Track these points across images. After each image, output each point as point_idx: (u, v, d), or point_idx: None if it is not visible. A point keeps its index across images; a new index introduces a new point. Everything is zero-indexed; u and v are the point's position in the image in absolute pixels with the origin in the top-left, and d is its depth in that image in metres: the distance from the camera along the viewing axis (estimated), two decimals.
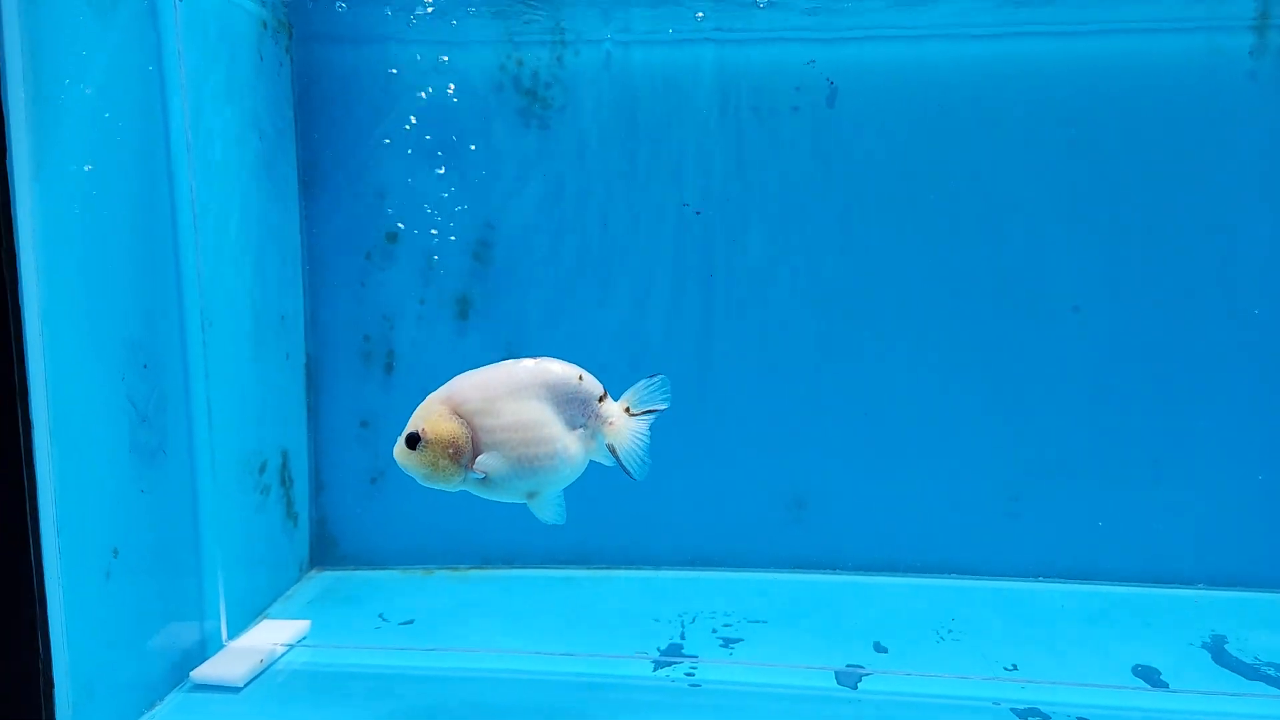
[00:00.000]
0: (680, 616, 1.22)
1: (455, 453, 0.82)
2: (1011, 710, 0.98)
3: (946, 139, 1.29)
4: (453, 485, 0.84)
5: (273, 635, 1.11)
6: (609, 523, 1.38)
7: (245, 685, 1.02)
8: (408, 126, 1.32)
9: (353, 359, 1.38)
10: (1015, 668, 1.07)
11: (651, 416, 0.89)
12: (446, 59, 1.32)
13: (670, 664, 1.09)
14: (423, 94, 1.32)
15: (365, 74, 1.33)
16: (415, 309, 1.37)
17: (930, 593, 1.29)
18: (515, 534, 1.38)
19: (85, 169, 0.88)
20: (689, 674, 1.07)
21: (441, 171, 1.33)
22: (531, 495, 0.87)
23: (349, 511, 1.40)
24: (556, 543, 1.39)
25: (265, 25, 1.25)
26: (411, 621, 1.21)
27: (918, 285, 1.31)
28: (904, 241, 1.31)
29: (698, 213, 1.33)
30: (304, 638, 1.14)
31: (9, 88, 0.79)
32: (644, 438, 0.89)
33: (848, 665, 1.08)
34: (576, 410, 0.86)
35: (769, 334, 1.34)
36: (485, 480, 0.84)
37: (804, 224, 1.32)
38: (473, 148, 1.33)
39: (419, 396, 0.87)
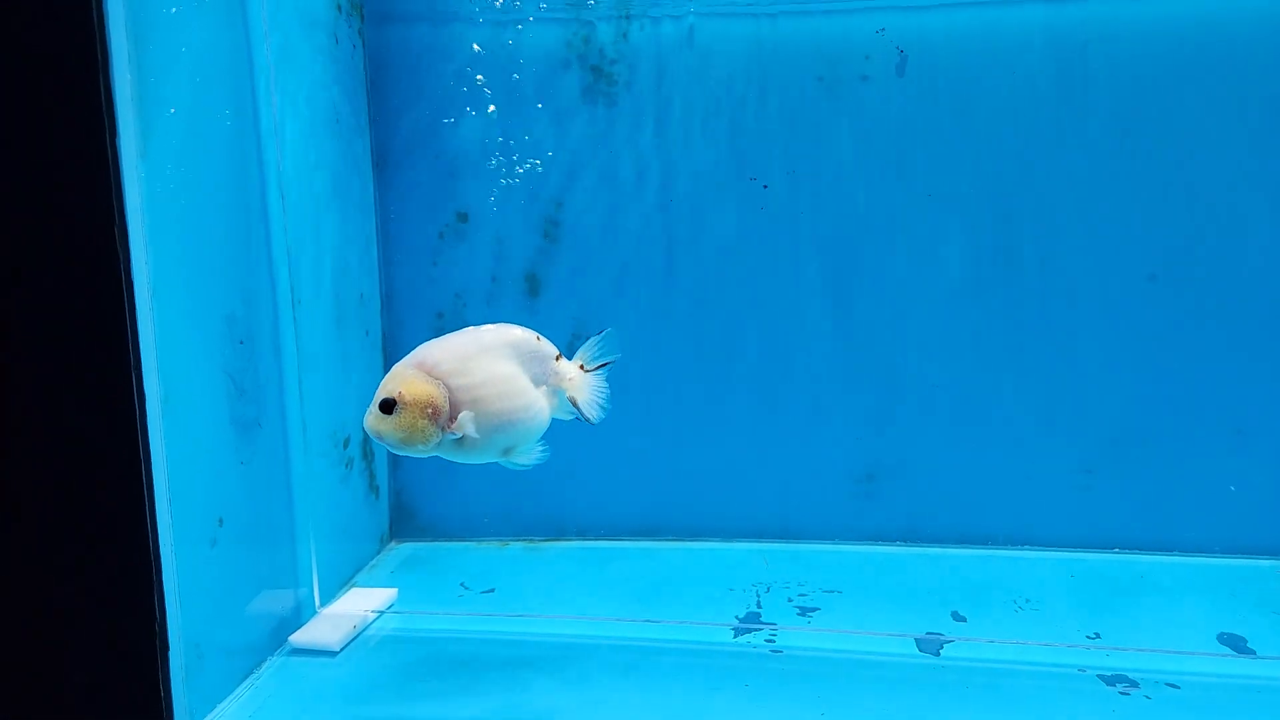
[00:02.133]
0: (754, 586, 1.23)
1: (434, 412, 0.84)
2: (1098, 677, 0.98)
3: (1019, 106, 1.27)
4: (428, 449, 0.85)
5: (363, 602, 1.15)
6: (678, 496, 1.40)
7: (341, 649, 1.06)
8: (473, 110, 1.34)
9: (426, 336, 1.36)
10: (1098, 636, 1.07)
11: (605, 370, 0.94)
12: (513, 37, 1.33)
13: (750, 631, 1.10)
14: (486, 75, 1.34)
15: (435, 54, 1.35)
16: (486, 287, 1.39)
17: (1003, 564, 1.29)
18: (588, 506, 1.41)
19: (185, 150, 0.91)
20: (769, 640, 1.08)
21: (511, 150, 1.35)
22: (507, 451, 0.89)
23: (426, 485, 1.43)
24: (628, 516, 1.41)
25: (340, 8, 1.28)
26: (493, 590, 1.24)
27: (989, 255, 1.30)
28: (974, 211, 1.30)
29: (765, 186, 1.33)
30: (392, 604, 1.17)
31: (115, 70, 0.82)
32: (602, 390, 0.94)
33: (928, 633, 1.08)
34: (538, 369, 0.91)
35: (837, 307, 1.34)
36: (462, 440, 0.85)
37: (873, 195, 1.31)
38: (540, 126, 1.35)
39: None
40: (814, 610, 1.16)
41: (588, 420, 0.92)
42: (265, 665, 1.02)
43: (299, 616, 1.10)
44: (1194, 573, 1.25)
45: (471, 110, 1.35)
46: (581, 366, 0.93)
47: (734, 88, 1.32)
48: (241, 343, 1.00)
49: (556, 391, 0.91)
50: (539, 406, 0.89)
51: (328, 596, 1.17)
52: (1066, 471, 1.32)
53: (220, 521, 0.95)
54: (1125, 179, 1.27)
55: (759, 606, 1.17)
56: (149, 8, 0.85)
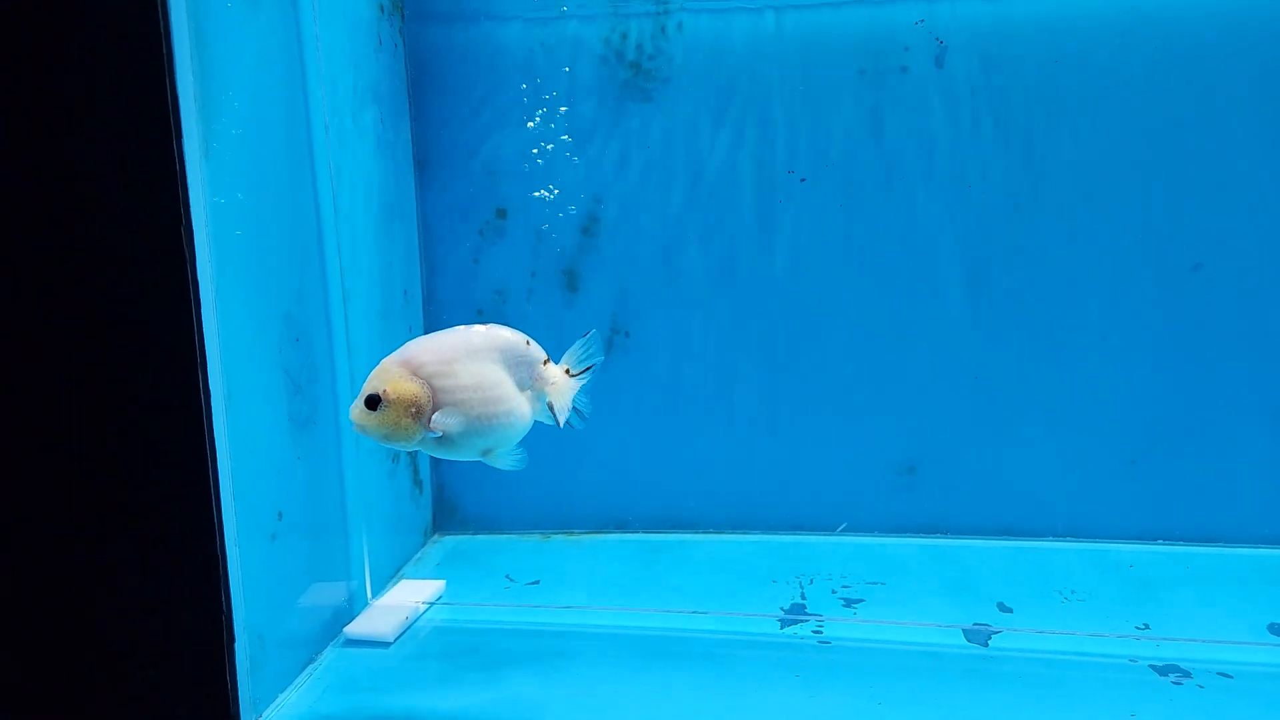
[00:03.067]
0: (798, 578, 1.24)
1: (416, 412, 0.85)
2: (1150, 667, 0.98)
3: (1059, 95, 1.27)
4: (409, 445, 0.87)
5: (413, 594, 1.17)
6: (720, 488, 1.41)
7: (395, 640, 1.08)
8: (511, 107, 1.35)
9: None
10: (1147, 627, 1.07)
11: (589, 374, 0.94)
12: (552, 34, 1.34)
13: (796, 622, 1.11)
14: (525, 71, 1.35)
15: (473, 53, 1.36)
16: (526, 283, 1.40)
17: (1047, 556, 1.29)
18: (629, 500, 1.42)
19: (244, 150, 0.92)
20: (816, 631, 1.09)
21: (550, 147, 1.36)
22: (487, 452, 0.90)
23: (467, 479, 1.44)
24: (669, 508, 1.42)
25: (382, 8, 1.29)
26: (538, 582, 1.25)
27: (1030, 247, 1.30)
28: (1015, 203, 1.30)
29: (803, 180, 1.34)
30: (441, 596, 1.19)
31: (179, 73, 0.83)
32: (580, 396, 0.94)
33: (975, 624, 1.09)
34: (524, 373, 0.91)
35: (878, 298, 1.34)
36: (443, 439, 0.87)
37: (912, 187, 1.32)
38: (579, 123, 1.35)
39: None
40: (859, 601, 1.16)
41: (557, 425, 0.93)
42: (323, 656, 1.04)
43: (352, 608, 1.12)
44: (1240, 563, 1.25)
45: (510, 107, 1.36)
46: (568, 371, 0.94)
47: (773, 81, 1.32)
48: (298, 340, 1.01)
49: (540, 395, 0.92)
50: (520, 412, 0.90)
51: (378, 589, 1.18)
52: (1111, 462, 1.32)
53: (280, 515, 0.97)
54: (1168, 168, 1.26)
55: (803, 598, 1.18)
56: (209, 12, 0.87)
